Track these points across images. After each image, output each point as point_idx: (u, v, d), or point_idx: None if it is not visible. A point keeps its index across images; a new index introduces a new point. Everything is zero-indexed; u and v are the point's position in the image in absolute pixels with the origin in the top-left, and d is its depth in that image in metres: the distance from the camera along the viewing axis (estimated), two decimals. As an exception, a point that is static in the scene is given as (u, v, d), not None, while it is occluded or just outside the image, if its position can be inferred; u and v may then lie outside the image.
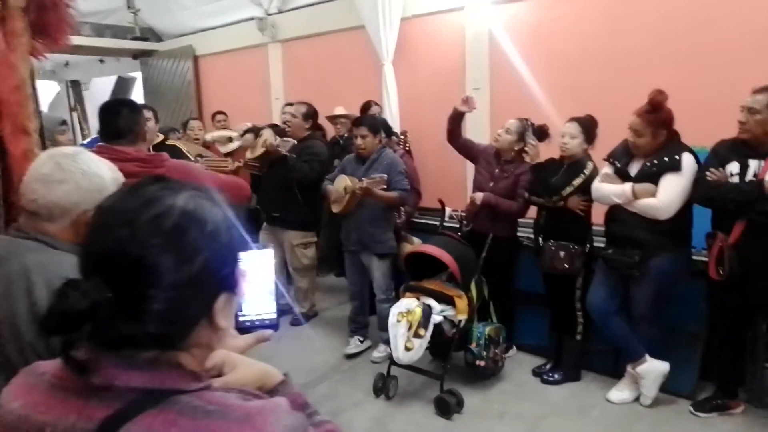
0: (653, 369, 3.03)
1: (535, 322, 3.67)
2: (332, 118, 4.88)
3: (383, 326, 3.48)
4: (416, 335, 3.11)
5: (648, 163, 2.91)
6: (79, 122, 9.17)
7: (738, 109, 2.67)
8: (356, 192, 3.52)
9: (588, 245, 3.23)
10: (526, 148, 3.36)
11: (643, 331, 3.06)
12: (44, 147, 1.90)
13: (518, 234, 3.66)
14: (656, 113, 2.84)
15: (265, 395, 0.79)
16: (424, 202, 4.33)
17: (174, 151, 3.53)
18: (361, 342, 3.92)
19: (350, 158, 3.82)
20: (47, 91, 8.88)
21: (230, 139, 4.98)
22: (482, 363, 3.29)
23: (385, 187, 3.49)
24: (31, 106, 1.90)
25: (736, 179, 2.69)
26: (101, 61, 8.20)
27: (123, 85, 9.35)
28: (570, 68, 3.84)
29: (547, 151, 3.38)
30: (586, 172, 3.16)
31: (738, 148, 2.73)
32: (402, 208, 3.91)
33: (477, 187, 3.64)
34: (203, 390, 0.68)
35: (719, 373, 3.05)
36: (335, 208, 3.77)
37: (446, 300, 3.25)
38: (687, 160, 2.83)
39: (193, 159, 3.68)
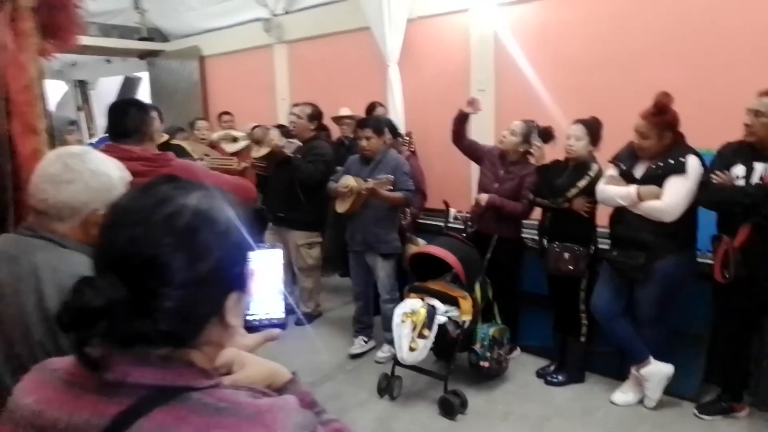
0: (657, 371, 3.02)
1: (539, 323, 3.67)
2: (337, 119, 4.90)
3: (388, 326, 3.50)
4: (420, 336, 3.12)
5: (653, 166, 2.91)
6: (87, 122, 9.20)
7: (744, 111, 2.67)
8: (362, 192, 3.54)
9: (593, 247, 3.24)
10: (531, 150, 3.37)
11: (647, 333, 3.05)
12: (53, 147, 1.91)
13: (523, 235, 3.67)
14: (661, 115, 2.84)
15: (274, 393, 0.80)
16: (429, 203, 4.34)
17: (178, 150, 3.54)
18: (366, 342, 3.92)
19: (354, 159, 3.82)
20: (55, 91, 8.91)
21: (235, 139, 4.99)
22: (486, 364, 3.30)
23: (390, 187, 3.50)
24: (40, 105, 1.91)
25: (741, 182, 2.69)
26: (108, 61, 8.22)
27: (129, 85, 9.37)
28: (575, 70, 3.83)
29: (552, 153, 3.39)
30: (591, 173, 3.16)
31: (744, 151, 2.73)
32: (407, 209, 3.91)
33: (482, 189, 3.64)
34: (214, 387, 0.69)
35: (724, 375, 3.04)
36: (339, 208, 3.78)
37: (451, 301, 3.25)
38: (692, 163, 2.83)
39: (197, 159, 3.69)
